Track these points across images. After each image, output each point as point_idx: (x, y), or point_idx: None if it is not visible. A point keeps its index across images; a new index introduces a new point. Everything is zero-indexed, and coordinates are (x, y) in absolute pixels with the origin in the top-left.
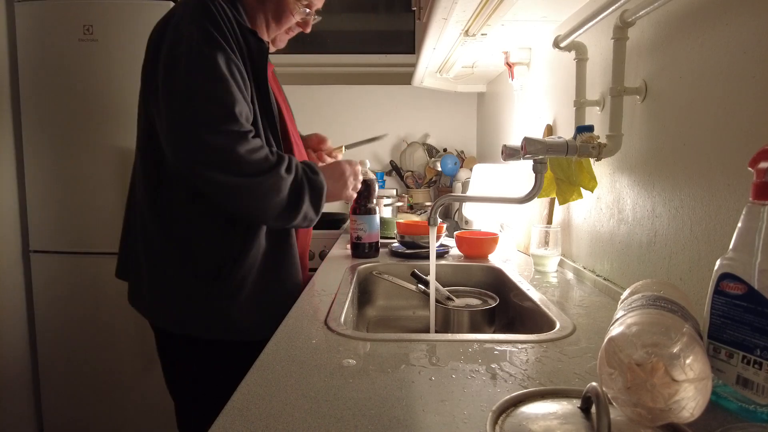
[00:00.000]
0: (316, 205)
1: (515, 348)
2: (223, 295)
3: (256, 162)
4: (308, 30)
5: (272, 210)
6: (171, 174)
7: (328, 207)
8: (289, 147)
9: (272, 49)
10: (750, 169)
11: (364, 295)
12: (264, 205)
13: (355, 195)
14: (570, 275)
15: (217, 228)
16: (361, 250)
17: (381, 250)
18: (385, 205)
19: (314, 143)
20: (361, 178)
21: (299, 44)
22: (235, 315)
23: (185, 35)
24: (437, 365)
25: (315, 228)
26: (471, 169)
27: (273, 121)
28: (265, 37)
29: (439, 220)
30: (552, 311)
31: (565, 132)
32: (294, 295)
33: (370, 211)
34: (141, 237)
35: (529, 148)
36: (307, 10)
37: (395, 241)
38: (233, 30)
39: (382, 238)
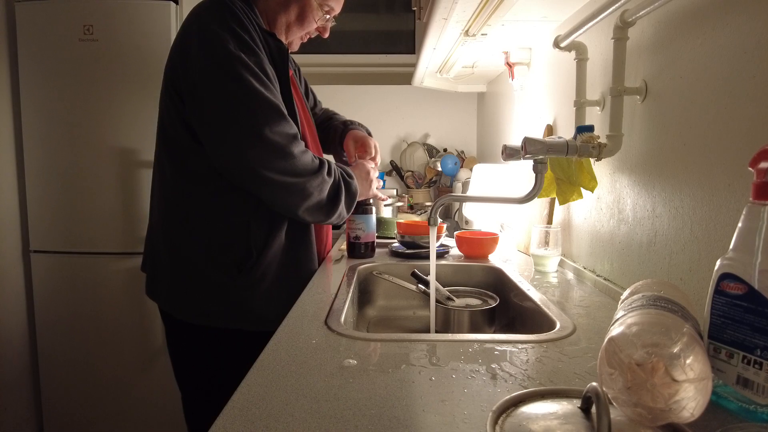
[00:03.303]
0: (350, 206)
1: (515, 348)
2: (245, 287)
3: (305, 163)
4: (326, 35)
5: (312, 208)
6: (194, 171)
7: None
8: (310, 137)
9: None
10: (750, 169)
11: (364, 295)
12: (307, 204)
13: (378, 193)
14: (570, 275)
15: (241, 224)
16: (358, 250)
17: (381, 250)
18: (385, 205)
19: (359, 151)
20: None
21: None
22: (256, 306)
23: (218, 40)
24: (437, 365)
25: None
26: (471, 169)
27: (296, 123)
28: (282, 39)
29: (440, 220)
30: (552, 311)
31: (565, 132)
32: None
33: (367, 211)
34: (162, 231)
35: (529, 148)
36: (328, 16)
37: (395, 241)
38: (257, 32)
39: (382, 238)
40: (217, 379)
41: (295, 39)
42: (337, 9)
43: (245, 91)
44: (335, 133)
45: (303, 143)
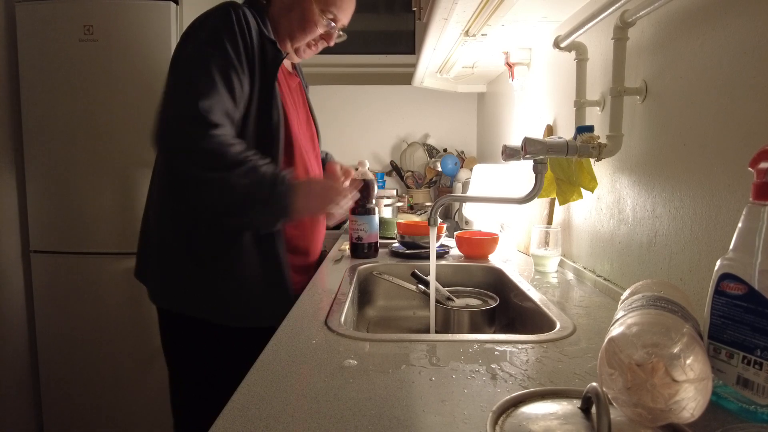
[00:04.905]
0: (271, 217)
1: (515, 348)
2: (211, 280)
3: (214, 156)
4: (332, 43)
5: (214, 206)
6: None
7: None
8: (292, 157)
9: (296, 59)
10: (750, 169)
11: (364, 295)
12: (209, 200)
13: (341, 214)
14: (570, 275)
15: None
16: (361, 250)
17: (381, 250)
18: (385, 206)
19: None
20: (349, 199)
21: None
22: (220, 301)
23: (195, 36)
24: (437, 365)
25: None
26: (471, 170)
27: (270, 127)
28: (288, 47)
29: (440, 221)
30: (552, 311)
31: (566, 132)
32: (270, 293)
33: (370, 212)
34: (147, 223)
35: (529, 148)
36: (332, 24)
37: (395, 241)
38: (249, 37)
39: (382, 238)
40: (193, 365)
41: (301, 46)
42: (343, 18)
43: (179, 81)
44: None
45: (224, 138)
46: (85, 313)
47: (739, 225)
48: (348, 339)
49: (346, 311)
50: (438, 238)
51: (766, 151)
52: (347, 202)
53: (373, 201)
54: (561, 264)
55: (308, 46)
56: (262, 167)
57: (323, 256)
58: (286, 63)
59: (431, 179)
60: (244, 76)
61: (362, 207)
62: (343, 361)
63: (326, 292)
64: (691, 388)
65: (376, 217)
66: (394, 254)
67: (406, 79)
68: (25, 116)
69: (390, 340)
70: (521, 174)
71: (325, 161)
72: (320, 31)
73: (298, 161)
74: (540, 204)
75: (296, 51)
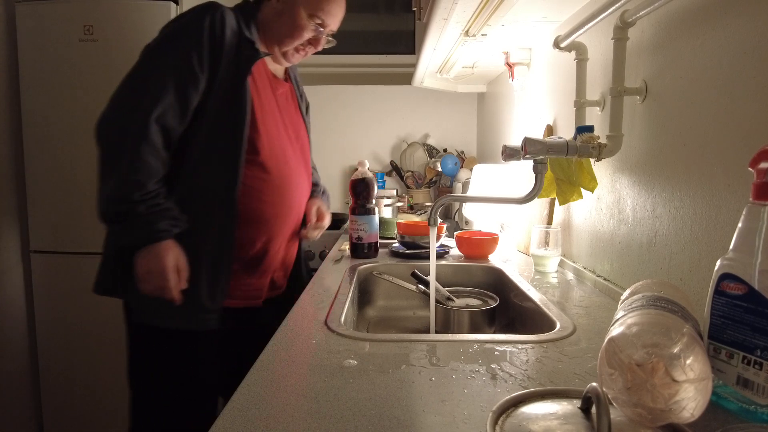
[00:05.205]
0: (126, 234)
1: (515, 348)
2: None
3: (121, 155)
4: (319, 48)
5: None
6: None
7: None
8: (275, 162)
9: (284, 63)
10: (750, 169)
11: (364, 295)
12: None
13: (162, 292)
14: (570, 275)
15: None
16: (361, 250)
17: (381, 250)
18: (385, 206)
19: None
20: (179, 285)
21: None
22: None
23: (160, 35)
24: (437, 365)
25: None
26: (471, 170)
27: (231, 129)
28: (276, 51)
29: (440, 221)
30: (552, 311)
31: (566, 132)
32: (186, 307)
33: (370, 212)
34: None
35: (529, 148)
36: (321, 29)
37: (395, 241)
38: (221, 36)
39: (382, 238)
40: (165, 380)
41: (289, 50)
42: (331, 23)
43: (128, 77)
44: None
45: (151, 140)
46: (85, 313)
47: (739, 225)
48: (348, 339)
49: (346, 311)
50: (438, 238)
51: (766, 151)
52: (169, 290)
53: (373, 201)
54: (561, 264)
55: (296, 50)
56: (155, 201)
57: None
58: (277, 69)
59: (431, 179)
60: (202, 75)
61: (362, 207)
62: (343, 361)
63: (326, 292)
64: (691, 388)
65: (376, 217)
66: (394, 254)
67: (406, 79)
68: (25, 116)
69: (390, 340)
70: (521, 174)
71: (314, 193)
72: (308, 35)
73: (272, 166)
74: (540, 204)
75: (284, 55)
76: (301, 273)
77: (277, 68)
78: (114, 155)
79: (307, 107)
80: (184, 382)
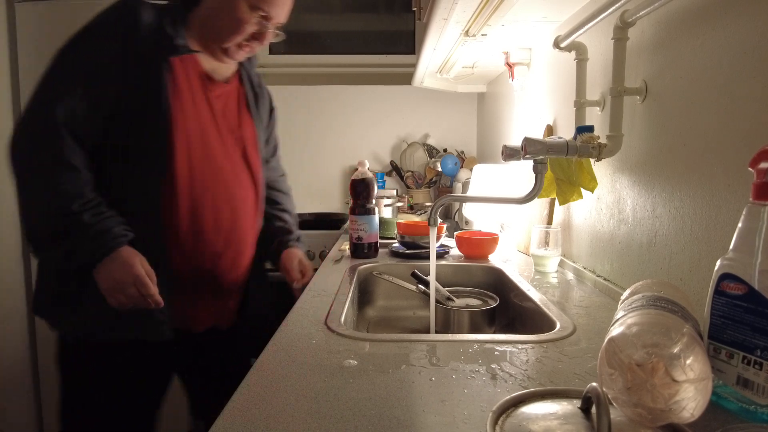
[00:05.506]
0: (75, 250)
1: (515, 348)
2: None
3: (37, 159)
4: (265, 43)
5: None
6: None
7: (328, 207)
8: (172, 159)
9: (225, 61)
10: (750, 169)
11: (364, 295)
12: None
13: (139, 300)
14: (570, 275)
15: None
16: (361, 250)
17: (381, 250)
18: (385, 206)
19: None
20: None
21: (299, 44)
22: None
23: (75, 34)
24: (437, 365)
25: (315, 228)
26: (471, 170)
27: (146, 133)
28: (216, 48)
29: (440, 221)
30: (552, 311)
31: (566, 132)
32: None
33: (370, 212)
34: None
35: (529, 148)
36: (265, 22)
37: (395, 241)
38: (132, 32)
39: (382, 238)
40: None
41: (230, 46)
42: (277, 15)
43: (43, 76)
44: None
45: (59, 141)
46: None
47: (739, 225)
48: (348, 339)
49: (346, 311)
50: (438, 238)
51: (766, 151)
52: (129, 299)
53: (373, 201)
54: (561, 264)
55: (239, 46)
56: (91, 207)
57: (323, 256)
58: (218, 69)
59: (431, 179)
60: (111, 73)
61: (362, 207)
62: (343, 361)
63: (326, 292)
64: (691, 388)
65: (376, 217)
66: (394, 254)
67: (406, 79)
68: None
69: (390, 340)
70: (521, 174)
71: (288, 243)
72: (251, 29)
73: (185, 175)
74: (540, 204)
75: (226, 52)
76: (260, 309)
77: (218, 67)
78: (34, 170)
79: (272, 111)
80: (125, 396)
